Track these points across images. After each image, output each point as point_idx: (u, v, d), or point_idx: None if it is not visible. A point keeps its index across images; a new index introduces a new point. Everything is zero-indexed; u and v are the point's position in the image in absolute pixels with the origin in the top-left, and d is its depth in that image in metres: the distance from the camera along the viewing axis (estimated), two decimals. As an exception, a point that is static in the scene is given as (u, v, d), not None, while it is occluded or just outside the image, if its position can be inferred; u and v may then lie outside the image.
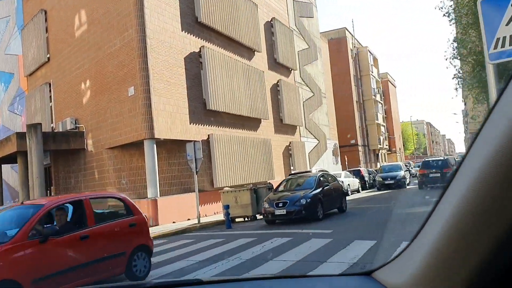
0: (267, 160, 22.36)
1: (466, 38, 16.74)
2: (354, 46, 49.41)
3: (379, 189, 24.61)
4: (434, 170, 21.94)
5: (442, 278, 0.93)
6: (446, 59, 17.53)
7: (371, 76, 50.80)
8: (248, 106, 21.20)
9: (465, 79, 16.49)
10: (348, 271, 5.61)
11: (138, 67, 15.58)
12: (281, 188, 14.11)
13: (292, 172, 23.97)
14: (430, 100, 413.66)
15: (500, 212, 0.80)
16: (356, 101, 46.78)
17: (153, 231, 11.60)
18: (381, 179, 24.88)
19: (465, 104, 63.47)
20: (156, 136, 15.58)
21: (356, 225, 11.06)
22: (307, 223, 11.72)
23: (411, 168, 37.33)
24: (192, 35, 18.28)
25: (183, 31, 17.76)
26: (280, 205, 12.12)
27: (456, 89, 18.06)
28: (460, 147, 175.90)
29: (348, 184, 23.87)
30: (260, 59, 24.08)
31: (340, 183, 15.76)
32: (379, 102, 54.98)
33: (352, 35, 49.07)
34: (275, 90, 25.47)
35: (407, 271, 1.05)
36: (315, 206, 12.19)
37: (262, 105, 22.59)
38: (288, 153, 26.22)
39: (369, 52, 51.42)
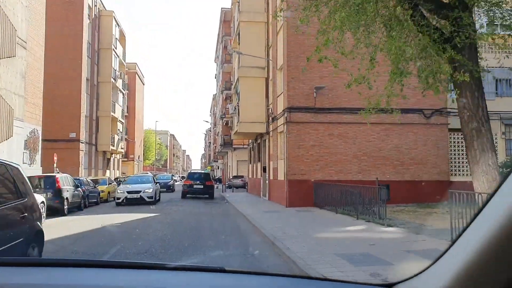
0: None
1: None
2: (95, 5, 36.07)
3: None
4: (198, 182, 22.92)
5: None
6: None
7: (113, 52, 38.10)
8: None
9: None
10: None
11: None
12: None
13: None
14: (177, 111, 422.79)
15: None
16: (88, 79, 33.37)
17: None
18: None
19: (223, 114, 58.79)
20: None
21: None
22: None
23: (124, 184, 21.15)
24: None
25: None
26: None
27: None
28: (196, 164, 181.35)
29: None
30: None
31: None
32: (120, 91, 42.63)
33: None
34: None
35: (433, 287, 1.05)
36: None
37: None
38: None
39: (115, 20, 38.82)
